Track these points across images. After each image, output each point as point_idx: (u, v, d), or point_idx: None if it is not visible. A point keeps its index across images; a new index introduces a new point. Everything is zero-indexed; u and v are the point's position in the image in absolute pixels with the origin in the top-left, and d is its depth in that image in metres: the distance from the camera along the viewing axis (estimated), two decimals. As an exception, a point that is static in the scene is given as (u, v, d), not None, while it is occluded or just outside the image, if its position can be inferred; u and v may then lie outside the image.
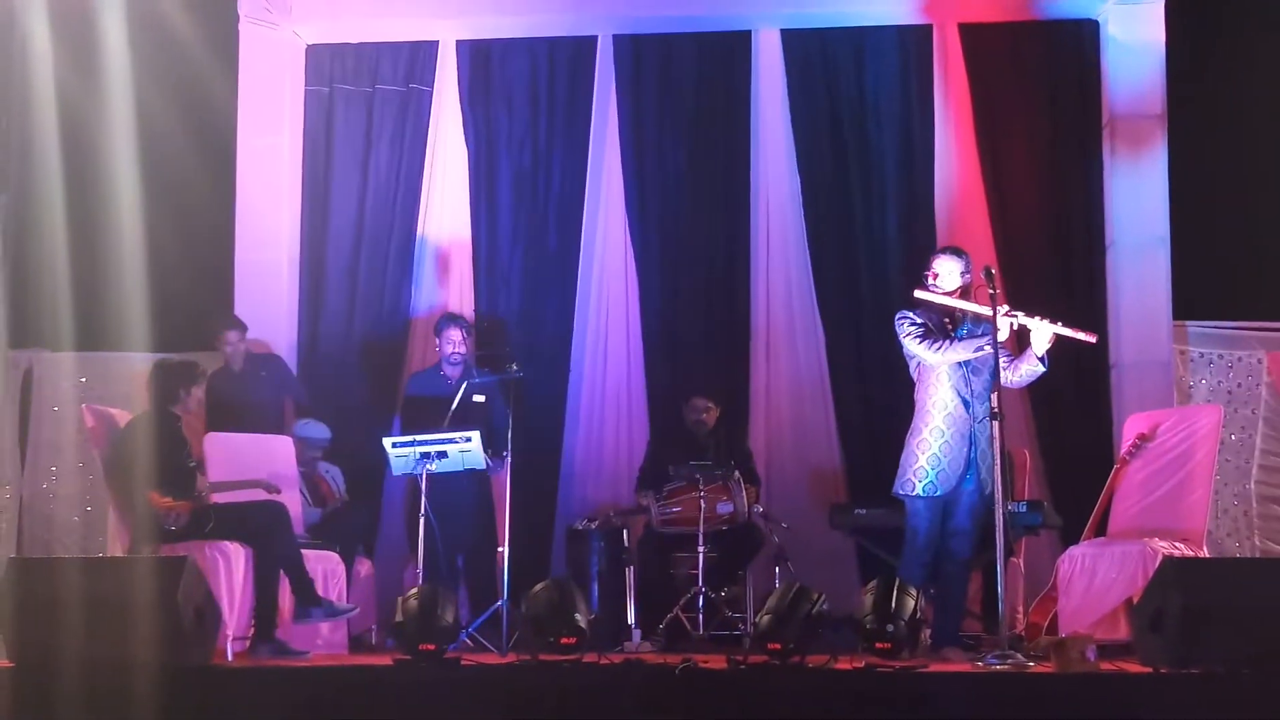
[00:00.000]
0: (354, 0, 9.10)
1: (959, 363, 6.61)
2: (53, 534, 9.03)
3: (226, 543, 6.70)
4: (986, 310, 6.42)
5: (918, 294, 6.70)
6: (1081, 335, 6.47)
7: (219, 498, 7.00)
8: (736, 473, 7.80)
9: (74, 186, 8.39)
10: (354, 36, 9.20)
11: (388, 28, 9.16)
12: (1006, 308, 6.33)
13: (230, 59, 8.96)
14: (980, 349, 6.50)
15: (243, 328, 8.27)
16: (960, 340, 6.62)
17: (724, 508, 7.72)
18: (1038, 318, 6.45)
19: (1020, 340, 6.61)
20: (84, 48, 8.27)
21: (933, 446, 6.62)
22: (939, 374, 6.66)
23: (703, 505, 7.60)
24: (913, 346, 6.68)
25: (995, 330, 6.31)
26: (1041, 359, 6.51)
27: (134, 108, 8.27)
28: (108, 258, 8.20)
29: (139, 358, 8.27)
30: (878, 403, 8.41)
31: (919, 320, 6.69)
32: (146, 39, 8.34)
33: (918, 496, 6.64)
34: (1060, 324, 6.44)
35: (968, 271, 6.72)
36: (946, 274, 6.70)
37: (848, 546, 8.38)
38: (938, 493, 6.60)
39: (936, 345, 6.61)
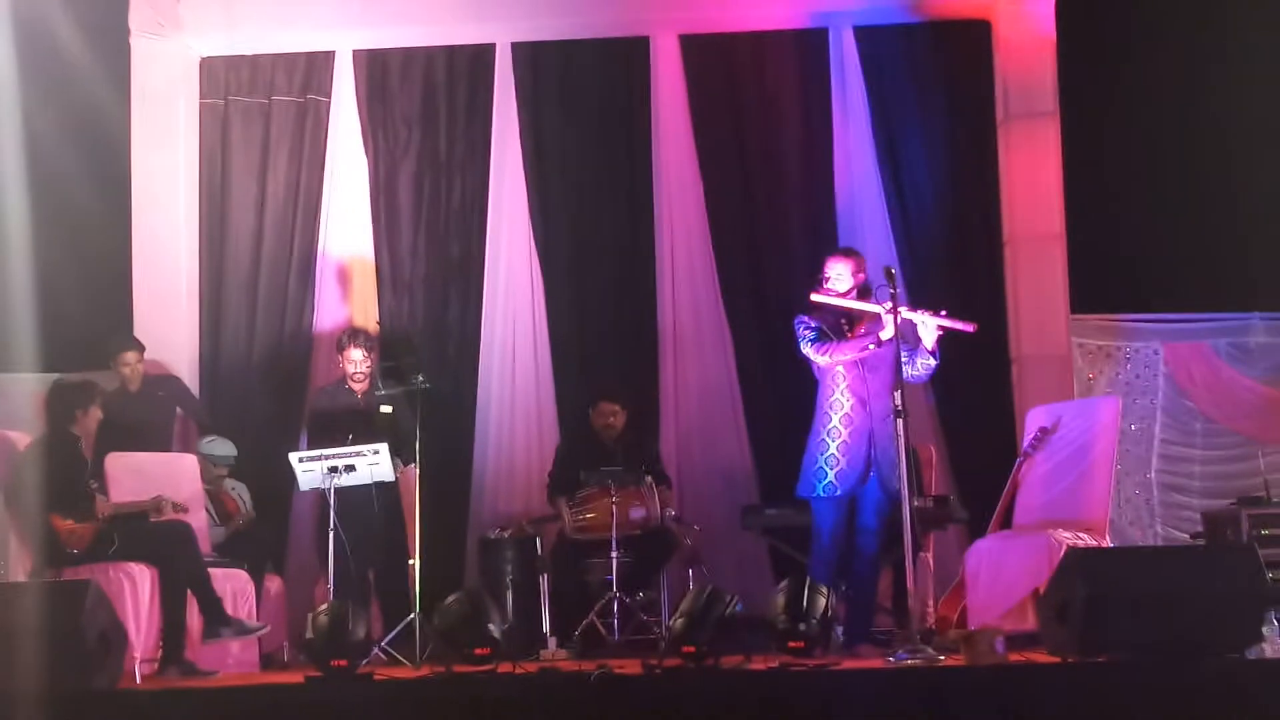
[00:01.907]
0: (247, 12, 8.97)
1: (855, 363, 6.70)
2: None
3: (131, 564, 6.61)
4: (873, 308, 6.57)
5: (813, 297, 6.78)
6: (960, 325, 6.58)
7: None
8: (648, 477, 7.80)
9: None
10: (248, 48, 9.10)
11: (282, 39, 9.07)
12: (890, 305, 6.42)
13: (121, 74, 8.82)
14: (865, 348, 6.60)
15: (140, 348, 8.14)
16: (846, 341, 6.70)
17: (636, 513, 7.72)
18: (920, 311, 6.56)
19: (915, 332, 6.71)
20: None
21: (830, 447, 6.71)
22: (834, 375, 6.76)
23: (615, 511, 7.59)
24: (805, 350, 6.80)
25: (881, 328, 6.44)
26: (933, 352, 6.62)
27: (21, 125, 8.10)
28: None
29: (36, 379, 8.11)
30: (786, 402, 8.43)
31: (813, 324, 6.79)
32: (33, 55, 8.18)
33: (819, 497, 6.70)
34: (943, 314, 6.56)
35: (860, 271, 6.84)
36: (838, 276, 6.82)
37: (760, 547, 8.44)
38: (837, 493, 6.68)
39: (824, 348, 6.71)
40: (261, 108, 9.10)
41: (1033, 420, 7.31)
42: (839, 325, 6.81)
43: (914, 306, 6.62)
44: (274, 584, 7.89)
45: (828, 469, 6.71)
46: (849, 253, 6.96)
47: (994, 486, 7.38)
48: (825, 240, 8.57)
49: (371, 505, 7.61)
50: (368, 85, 9.08)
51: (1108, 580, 5.59)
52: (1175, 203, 8.83)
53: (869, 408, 6.69)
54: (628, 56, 9.08)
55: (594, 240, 8.98)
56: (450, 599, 6.19)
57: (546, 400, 8.90)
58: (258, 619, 7.21)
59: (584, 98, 9.07)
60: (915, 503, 6.52)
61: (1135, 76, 8.77)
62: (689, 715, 5.33)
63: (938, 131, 8.88)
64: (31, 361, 8.05)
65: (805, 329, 6.81)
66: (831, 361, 6.73)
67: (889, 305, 6.42)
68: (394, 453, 7.38)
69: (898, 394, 6.30)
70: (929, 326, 6.58)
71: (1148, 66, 8.76)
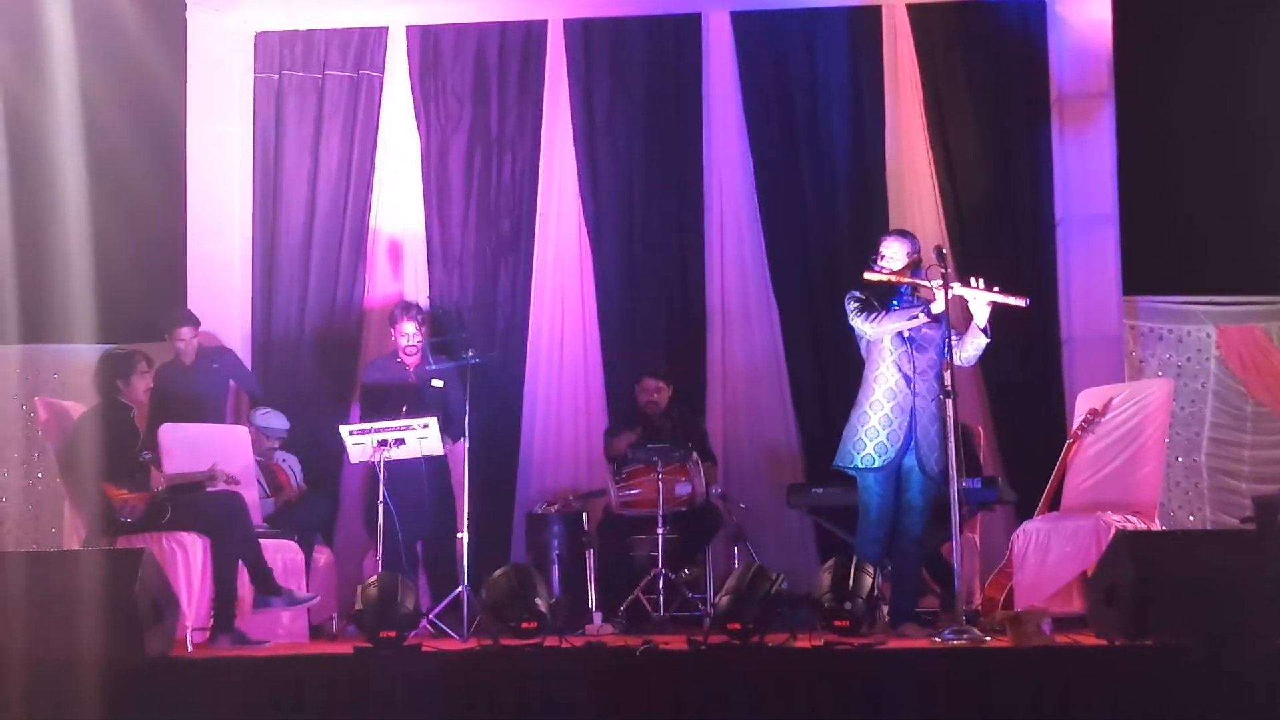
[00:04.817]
0: (302, -14, 9.05)
1: (903, 339, 6.65)
2: (2, 529, 8.96)
3: (184, 534, 6.69)
4: (925, 284, 6.54)
5: (867, 275, 6.75)
6: (1013, 300, 6.52)
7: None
8: (694, 454, 7.81)
9: (19, 179, 8.30)
10: (303, 23, 9.14)
11: (336, 14, 9.11)
12: (941, 281, 6.39)
13: (178, 48, 8.90)
14: (914, 316, 6.56)
15: (195, 323, 8.20)
16: (895, 311, 6.67)
17: (682, 489, 7.74)
18: (972, 286, 6.52)
19: (966, 315, 6.67)
20: (28, 38, 8.16)
21: (871, 420, 6.67)
22: (882, 349, 6.72)
23: (661, 487, 7.61)
24: (854, 321, 6.75)
25: (932, 300, 6.43)
26: (985, 329, 6.57)
27: (80, 98, 8.15)
28: (55, 250, 8.12)
29: (92, 350, 8.20)
30: (833, 381, 8.44)
31: (861, 296, 6.76)
32: (92, 28, 8.24)
33: (865, 470, 6.67)
34: (995, 290, 6.51)
35: (915, 252, 6.78)
36: (893, 255, 6.77)
37: (805, 525, 8.45)
38: (875, 465, 6.64)
39: (873, 317, 6.66)
40: (315, 82, 9.14)
41: (1083, 402, 7.27)
42: (887, 302, 6.78)
43: (965, 283, 6.57)
44: (323, 555, 7.96)
45: (867, 440, 6.67)
46: (904, 234, 6.91)
47: (1043, 468, 7.36)
48: (875, 218, 8.56)
49: (420, 479, 7.67)
50: (420, 61, 9.11)
51: (1157, 563, 5.58)
52: (1229, 184, 8.74)
53: (913, 385, 6.65)
54: (679, 33, 9.06)
55: (643, 216, 8.98)
56: (498, 573, 6.24)
57: (594, 376, 8.92)
58: (307, 590, 7.28)
59: (635, 74, 9.06)
60: (962, 483, 6.48)
61: (1191, 56, 8.66)
62: (734, 692, 5.37)
63: (990, 111, 8.83)
64: (89, 334, 8.14)
65: (854, 301, 6.78)
66: (879, 332, 6.68)
67: (940, 281, 6.39)
68: (443, 428, 7.43)
69: (947, 374, 6.28)
70: (980, 301, 6.53)
71: (1203, 46, 8.66)
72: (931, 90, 8.85)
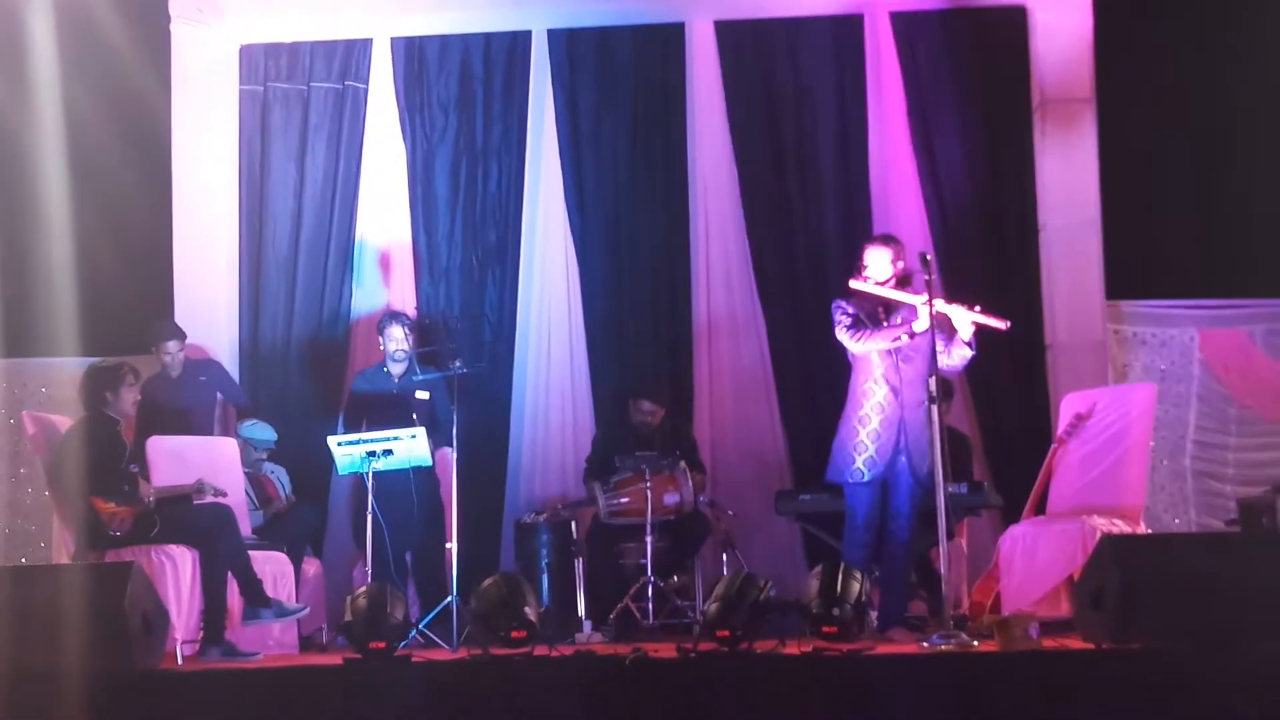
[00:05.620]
0: (286, -1, 9.05)
1: (889, 351, 6.69)
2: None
3: (173, 546, 6.67)
4: (910, 299, 6.58)
5: (852, 284, 6.78)
6: (994, 322, 6.56)
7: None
8: (682, 463, 7.83)
9: (3, 193, 8.30)
10: (287, 35, 9.14)
11: (321, 26, 9.10)
12: (926, 296, 6.42)
13: (162, 61, 8.89)
14: (898, 338, 6.60)
15: (181, 336, 8.18)
16: (881, 329, 6.70)
17: (670, 498, 7.76)
18: (956, 305, 6.56)
19: (951, 324, 6.70)
20: (11, 51, 8.16)
21: (860, 434, 6.72)
22: (868, 362, 6.76)
23: (649, 496, 7.63)
24: (840, 336, 6.80)
25: (915, 318, 6.45)
26: (969, 343, 6.61)
27: (64, 112, 8.16)
28: (40, 263, 8.12)
29: (79, 363, 8.18)
30: (820, 389, 8.43)
31: (850, 310, 6.79)
32: (75, 41, 8.24)
33: (855, 484, 6.71)
34: (977, 309, 6.55)
35: (899, 259, 6.81)
36: (877, 264, 6.80)
37: (793, 532, 8.46)
38: (865, 479, 6.68)
39: (859, 334, 6.71)
40: (300, 94, 9.14)
41: (1068, 406, 7.29)
42: (875, 313, 6.82)
43: (949, 299, 6.61)
44: (312, 567, 7.96)
45: (856, 455, 6.73)
46: (887, 240, 6.95)
47: (1028, 472, 7.37)
48: (860, 227, 8.57)
49: (409, 489, 7.65)
50: (405, 72, 9.11)
51: (1142, 567, 5.60)
52: (1212, 187, 8.78)
53: (901, 397, 6.69)
54: (663, 43, 9.06)
55: (629, 226, 8.98)
56: (487, 582, 6.24)
57: (581, 385, 8.92)
58: (297, 601, 7.27)
59: (620, 84, 9.06)
60: (949, 488, 6.51)
61: (1172, 61, 8.71)
62: (723, 699, 5.39)
63: (973, 118, 8.83)
64: (75, 346, 8.14)
65: (841, 314, 6.80)
66: (865, 348, 6.73)
67: (925, 297, 6.42)
68: (430, 438, 7.44)
69: (931, 380, 6.31)
70: (962, 320, 6.58)
71: (1185, 51, 8.70)
72: (915, 98, 8.86)
